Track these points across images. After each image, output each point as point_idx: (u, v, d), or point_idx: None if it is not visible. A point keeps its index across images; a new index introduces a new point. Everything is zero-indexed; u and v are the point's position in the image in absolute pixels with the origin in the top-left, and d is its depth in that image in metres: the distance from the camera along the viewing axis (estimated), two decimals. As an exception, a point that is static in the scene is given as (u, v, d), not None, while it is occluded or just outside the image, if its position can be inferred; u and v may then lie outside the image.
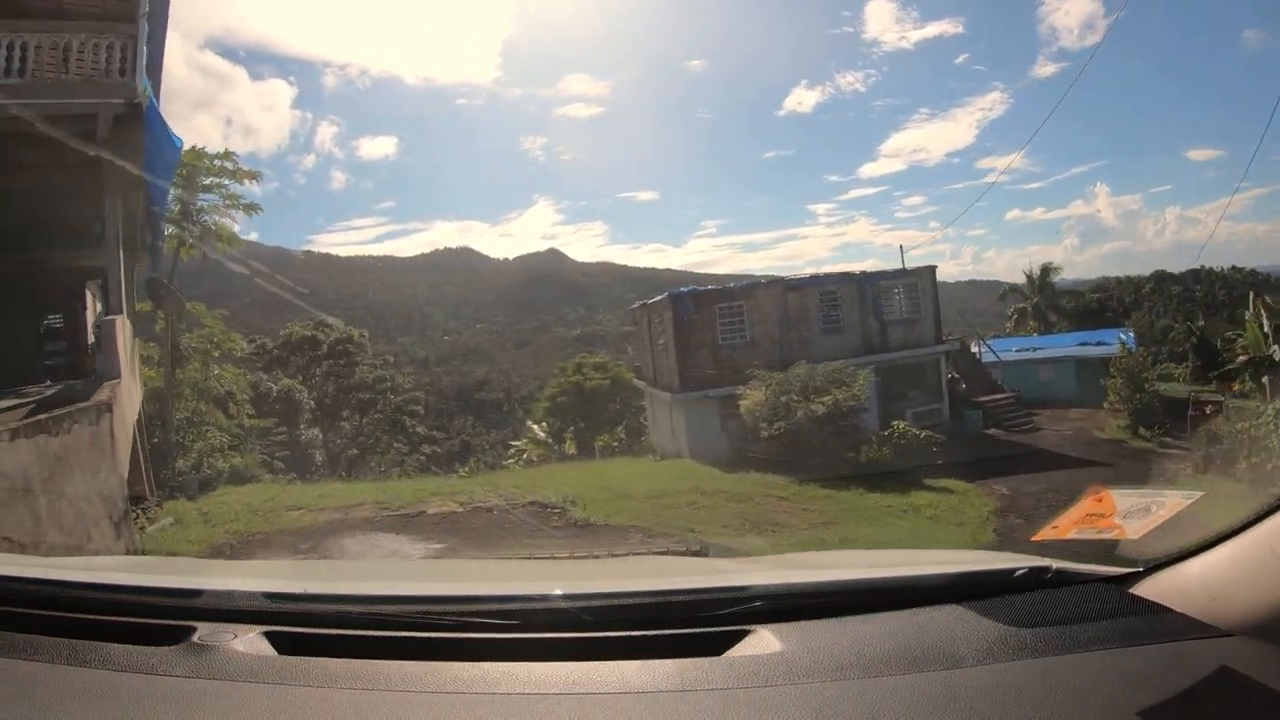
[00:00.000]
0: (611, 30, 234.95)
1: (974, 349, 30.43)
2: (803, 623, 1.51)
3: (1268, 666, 1.34)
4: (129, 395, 12.54)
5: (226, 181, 23.33)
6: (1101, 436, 24.06)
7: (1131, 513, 1.79)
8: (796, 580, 1.81)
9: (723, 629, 1.50)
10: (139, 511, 12.15)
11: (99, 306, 21.04)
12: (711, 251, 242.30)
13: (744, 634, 1.48)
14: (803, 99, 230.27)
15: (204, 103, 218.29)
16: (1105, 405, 25.80)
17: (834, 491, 16.23)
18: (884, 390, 24.50)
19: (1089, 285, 54.21)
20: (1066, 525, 1.92)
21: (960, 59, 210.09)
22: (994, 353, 31.40)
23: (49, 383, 15.80)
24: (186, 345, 23.49)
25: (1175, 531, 1.64)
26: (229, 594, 1.68)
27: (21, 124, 10.86)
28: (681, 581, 1.85)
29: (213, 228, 23.28)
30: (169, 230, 22.49)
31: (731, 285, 28.62)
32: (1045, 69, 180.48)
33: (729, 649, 1.45)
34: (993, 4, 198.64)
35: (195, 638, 1.51)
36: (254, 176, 24.67)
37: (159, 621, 1.59)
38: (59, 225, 14.99)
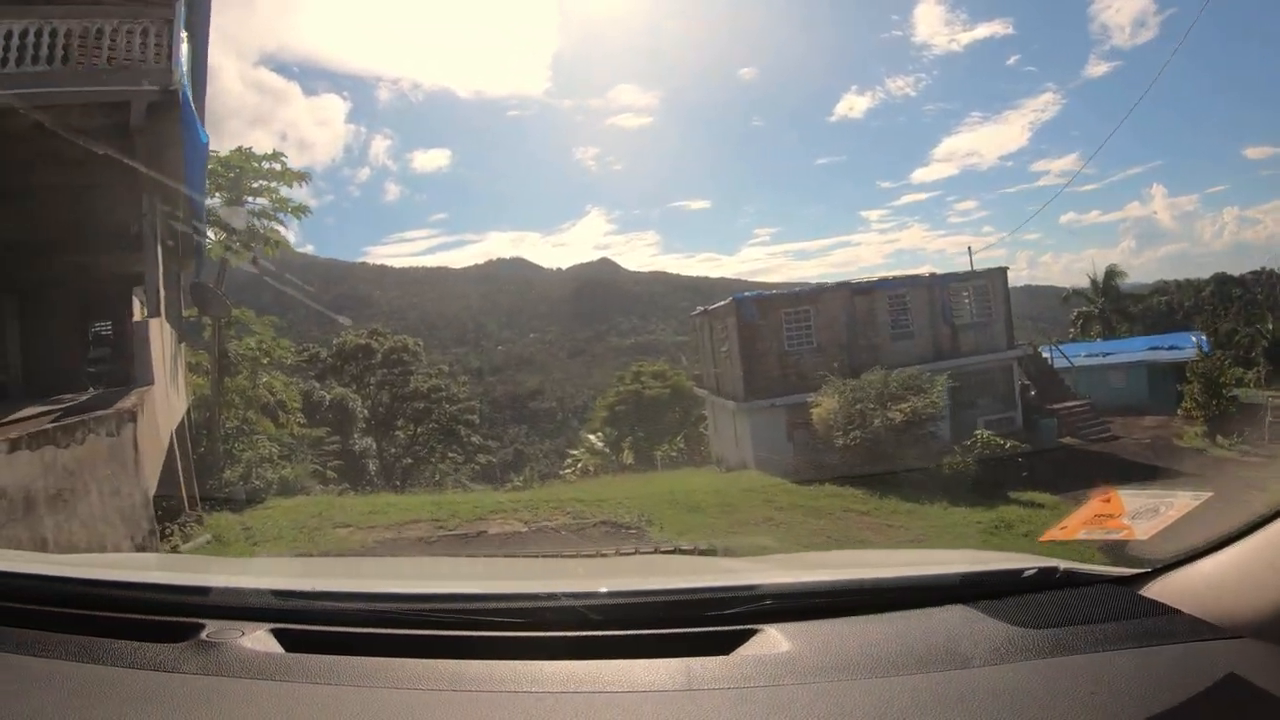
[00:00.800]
0: (660, 40, 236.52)
1: (1044, 354, 29.16)
2: (811, 622, 1.50)
3: (1277, 668, 1.32)
4: (164, 403, 11.77)
5: (275, 184, 22.71)
6: (1180, 445, 22.70)
7: (1140, 513, 1.78)
8: (804, 580, 1.79)
9: (731, 628, 1.49)
10: (176, 527, 11.40)
11: (145, 312, 20.69)
12: (765, 260, 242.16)
13: (752, 633, 1.47)
14: (854, 104, 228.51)
15: (260, 118, 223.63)
16: (1180, 412, 24.44)
17: (917, 505, 15.40)
18: (955, 398, 23.31)
19: (1147, 289, 52.51)
20: (1075, 526, 1.92)
21: (1011, 60, 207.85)
22: (1066, 358, 30.12)
23: (91, 390, 15.41)
24: (235, 352, 22.93)
25: (1184, 532, 1.61)
26: (237, 591, 1.69)
27: (57, 116, 10.28)
28: (690, 580, 1.87)
29: (261, 231, 22.62)
30: (216, 235, 22.07)
31: (797, 289, 27.87)
32: (1097, 68, 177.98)
33: (737, 648, 1.44)
34: (1043, 3, 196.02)
35: (204, 634, 1.51)
36: (303, 178, 23.93)
37: (167, 618, 1.58)
38: (104, 228, 14.43)
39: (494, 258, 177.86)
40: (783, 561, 2.67)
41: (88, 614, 1.61)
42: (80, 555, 3.43)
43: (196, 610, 1.60)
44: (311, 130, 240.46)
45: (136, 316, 20.81)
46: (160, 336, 11.84)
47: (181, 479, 13.15)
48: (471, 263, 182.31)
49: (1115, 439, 24.08)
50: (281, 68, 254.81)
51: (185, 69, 11.83)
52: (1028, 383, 27.20)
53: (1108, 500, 1.89)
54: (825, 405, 20.94)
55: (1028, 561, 1.67)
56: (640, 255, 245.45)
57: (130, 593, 1.71)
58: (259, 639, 1.49)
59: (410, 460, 41.13)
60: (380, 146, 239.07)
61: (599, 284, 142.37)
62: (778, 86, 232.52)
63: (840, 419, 20.05)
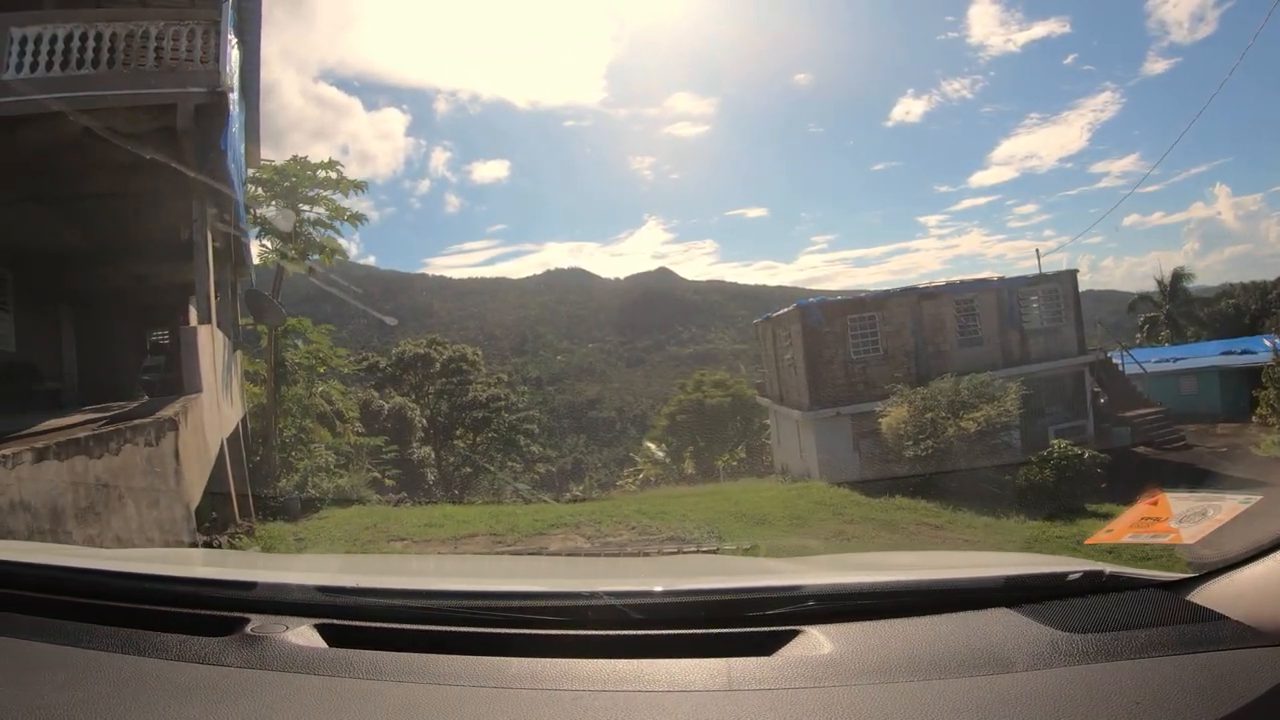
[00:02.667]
0: (714, 47, 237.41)
1: (1115, 359, 28.09)
2: (853, 624, 1.48)
3: None
4: (214, 411, 11.50)
5: (331, 193, 22.61)
6: (1259, 454, 21.58)
7: (1187, 517, 1.74)
8: (847, 581, 1.77)
9: (772, 629, 1.48)
10: (224, 539, 11.09)
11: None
12: (823, 267, 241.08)
13: (794, 634, 1.45)
14: (910, 108, 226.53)
15: (321, 131, 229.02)
16: (1255, 418, 23.30)
17: (992, 519, 15.02)
18: (1025, 405, 22.41)
19: (1214, 292, 50.92)
20: (1121, 529, 1.88)
21: (1068, 59, 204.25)
22: (1138, 363, 29.06)
23: (145, 397, 15.39)
24: (291, 361, 22.89)
25: (1232, 536, 1.56)
26: (282, 586, 1.73)
27: (104, 119, 10.11)
28: (732, 581, 1.86)
29: (317, 239, 22.57)
30: (271, 243, 22.11)
31: (863, 295, 27.41)
32: (1156, 65, 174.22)
33: (779, 649, 1.43)
34: (1099, 0, 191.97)
35: (248, 629, 1.52)
36: (360, 186, 23.82)
37: (213, 613, 1.60)
38: (156, 235, 14.38)
39: (552, 268, 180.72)
40: (825, 562, 2.68)
41: (134, 608, 1.64)
42: (128, 550, 3.38)
43: (242, 605, 1.62)
44: (373, 143, 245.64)
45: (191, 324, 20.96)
46: (211, 344, 11.61)
47: (233, 489, 12.91)
48: (530, 273, 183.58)
49: (1190, 447, 23.23)
50: (342, 82, 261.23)
51: (235, 74, 11.67)
52: (1099, 389, 26.32)
53: (1155, 504, 1.87)
54: (894, 414, 20.46)
55: (1072, 565, 1.65)
56: (698, 264, 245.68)
57: (176, 587, 1.75)
58: (303, 634, 1.50)
59: (469, 469, 41.05)
60: (440, 159, 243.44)
61: (657, 293, 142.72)
62: (833, 92, 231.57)
63: (910, 428, 19.53)
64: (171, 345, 21.35)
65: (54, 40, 10.44)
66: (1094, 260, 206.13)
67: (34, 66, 10.30)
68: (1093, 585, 1.54)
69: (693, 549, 11.59)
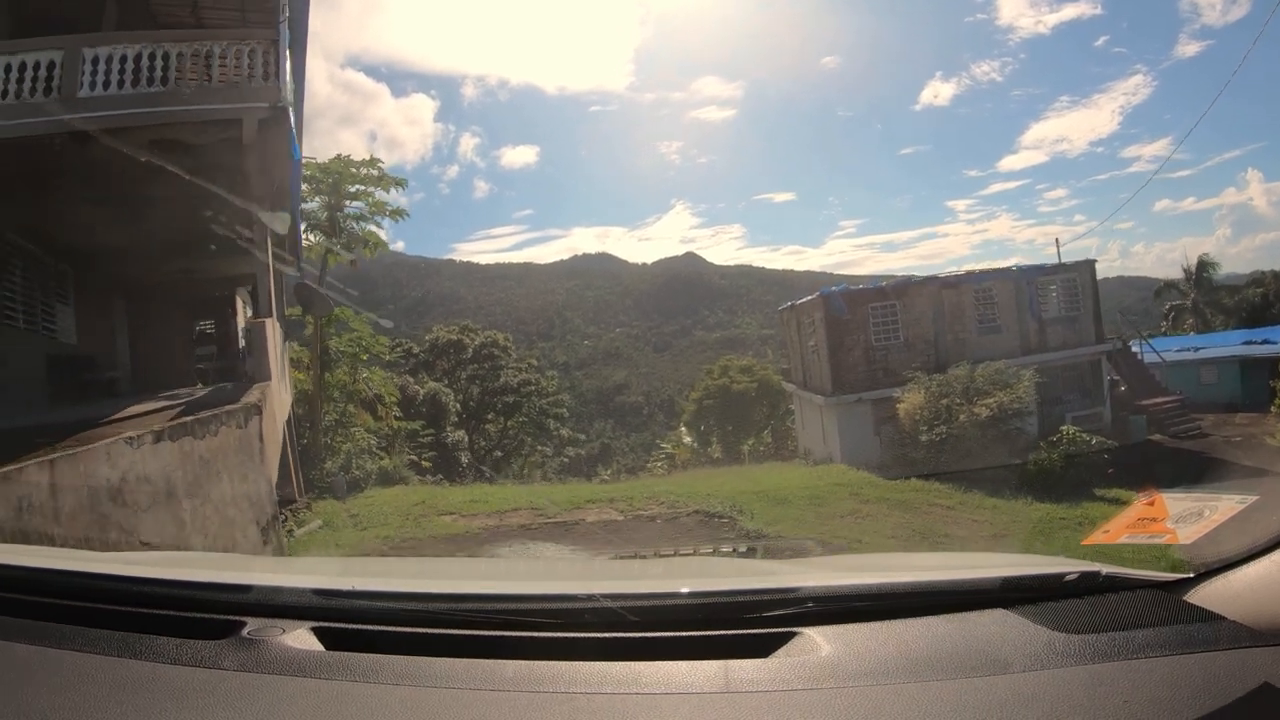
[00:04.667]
0: (742, 31, 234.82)
1: (1134, 348, 28.44)
2: (850, 625, 1.49)
3: None
4: (278, 397, 12.50)
5: (372, 189, 23.60)
6: (1273, 444, 21.94)
7: (1184, 517, 1.76)
8: (843, 583, 1.78)
9: (769, 630, 1.48)
10: (287, 514, 12.07)
11: (248, 312, 21.78)
12: (851, 252, 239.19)
13: (790, 636, 1.46)
14: (939, 92, 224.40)
15: (348, 118, 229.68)
16: (1273, 408, 23.42)
17: (1001, 501, 15.61)
18: (1044, 393, 23.03)
19: (1244, 279, 49.71)
20: (1118, 529, 1.90)
21: (1099, 41, 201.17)
22: (1156, 352, 29.30)
23: (200, 386, 16.53)
24: (334, 349, 23.90)
25: (1229, 536, 1.58)
26: (278, 590, 1.71)
27: (170, 132, 11.17)
28: (728, 583, 1.86)
29: (359, 234, 23.59)
30: (317, 238, 23.09)
31: (884, 284, 27.77)
32: (1188, 48, 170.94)
33: (775, 650, 1.43)
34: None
35: (244, 632, 1.53)
36: (400, 184, 24.81)
37: (209, 616, 1.61)
38: (213, 234, 15.32)
39: (580, 253, 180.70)
40: (822, 564, 2.71)
41: (130, 611, 1.65)
42: (123, 554, 3.54)
43: (238, 608, 1.63)
44: (401, 129, 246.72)
45: (239, 315, 22.03)
46: (273, 335, 12.56)
47: (291, 468, 13.91)
48: (557, 258, 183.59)
49: (1205, 436, 23.58)
50: (369, 69, 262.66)
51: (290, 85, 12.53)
52: (1117, 378, 26.70)
53: (1151, 503, 1.87)
54: (911, 400, 21.14)
55: (1069, 565, 1.66)
56: (726, 249, 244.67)
57: (172, 590, 1.74)
58: (299, 637, 1.51)
59: (500, 453, 41.96)
60: (468, 144, 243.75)
61: (685, 278, 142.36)
62: (861, 75, 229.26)
63: (926, 414, 20.21)
64: (218, 335, 22.52)
65: (124, 60, 11.22)
66: (1125, 246, 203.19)
67: (105, 85, 11.09)
68: (1089, 586, 1.56)
69: (720, 520, 12.76)
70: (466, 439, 40.82)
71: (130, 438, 6.22)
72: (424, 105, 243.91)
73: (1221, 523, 1.65)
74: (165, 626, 1.57)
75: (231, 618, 1.58)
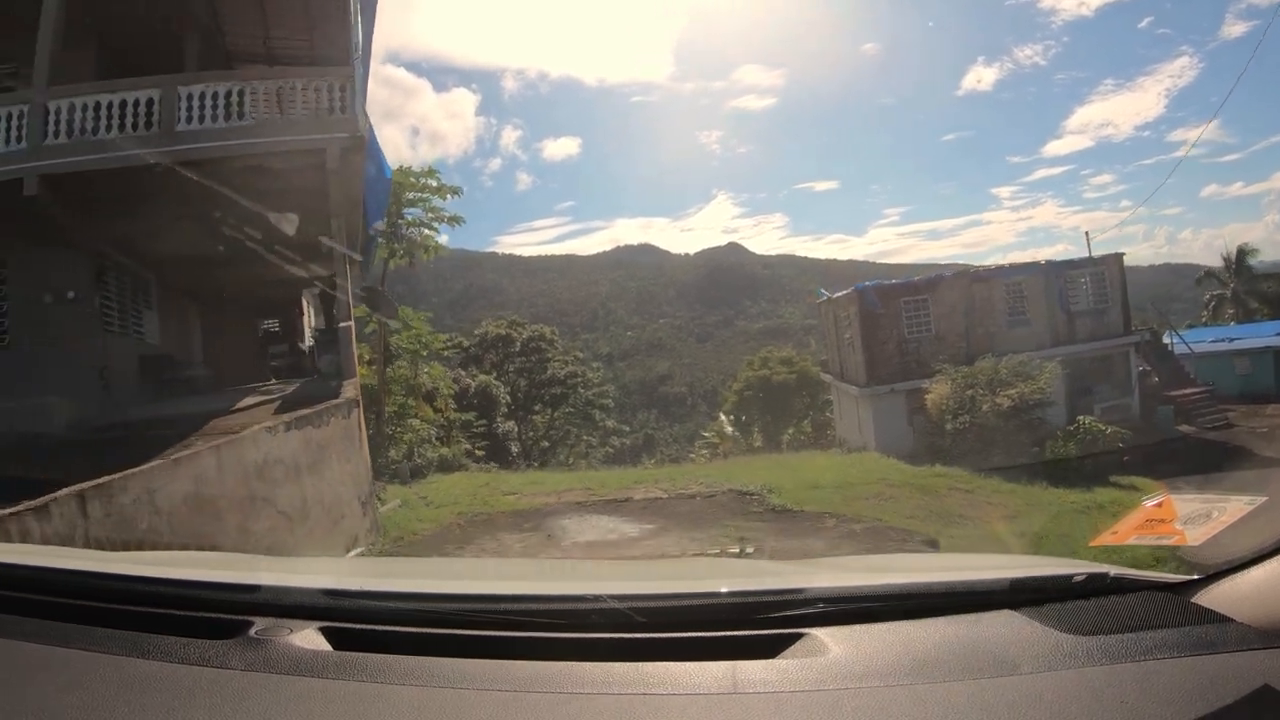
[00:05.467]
0: (781, 18, 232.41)
1: (1166, 339, 28.79)
2: (858, 626, 1.49)
3: None
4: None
5: (430, 197, 25.19)
6: None
7: (1192, 518, 1.75)
8: (850, 584, 1.77)
9: (776, 631, 1.48)
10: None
11: (311, 312, 23.53)
12: (894, 240, 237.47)
13: (797, 637, 1.46)
14: (981, 76, 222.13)
15: (390, 113, 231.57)
16: None
17: (1018, 486, 16.12)
18: (1072, 384, 23.76)
19: None
20: (1126, 531, 1.89)
21: (1144, 23, 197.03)
22: (1185, 344, 29.52)
23: (273, 381, 17.99)
24: (395, 345, 25.48)
25: (1237, 538, 1.59)
26: (286, 589, 1.73)
27: (259, 160, 12.52)
28: (735, 584, 1.79)
29: (418, 239, 25.15)
30: (379, 242, 24.66)
31: (916, 279, 28.54)
32: (1234, 28, 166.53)
33: (783, 651, 1.44)
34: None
35: (252, 632, 1.55)
36: (456, 192, 26.39)
37: (217, 615, 1.62)
38: (290, 243, 16.75)
39: (622, 244, 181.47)
40: (830, 565, 2.67)
41: (138, 610, 1.66)
42: (131, 553, 3.52)
43: (246, 608, 1.64)
44: (443, 124, 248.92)
45: (305, 315, 23.68)
46: (351, 337, 14.04)
47: (369, 454, 15.41)
48: (600, 250, 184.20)
49: (1231, 427, 23.87)
50: (410, 65, 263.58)
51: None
52: (1148, 369, 27.05)
53: (1160, 505, 1.87)
54: (938, 391, 21.98)
55: (1077, 567, 1.67)
56: (768, 238, 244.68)
57: (180, 590, 1.75)
58: (307, 637, 1.52)
59: (547, 443, 43.33)
60: (510, 137, 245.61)
61: (727, 268, 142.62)
62: (902, 61, 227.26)
63: (951, 404, 21.05)
64: (284, 333, 23.97)
65: (215, 96, 12.56)
66: (1172, 232, 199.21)
67: (200, 119, 12.44)
68: (1097, 587, 1.56)
69: (751, 497, 13.83)
70: (516, 429, 42.18)
71: (269, 427, 7.75)
72: (465, 99, 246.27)
73: (1230, 524, 1.66)
74: (173, 626, 1.59)
75: (239, 617, 1.59)
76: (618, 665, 1.41)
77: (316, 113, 12.90)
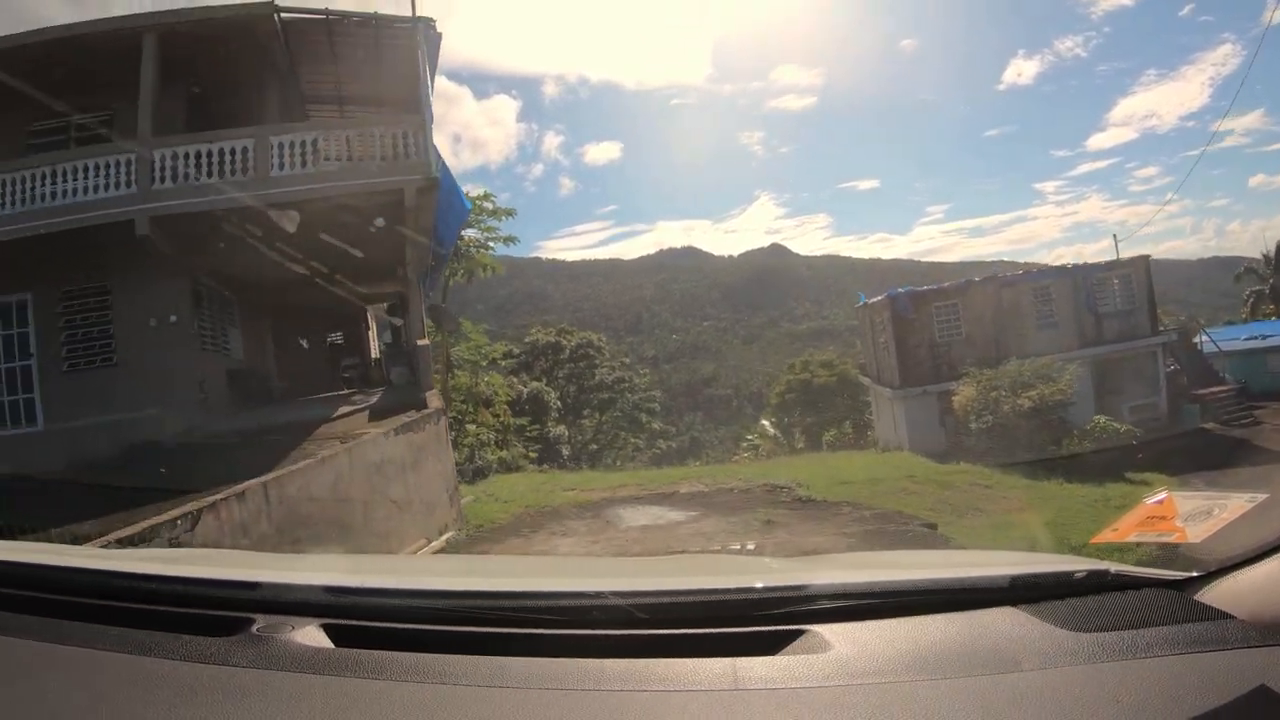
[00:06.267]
0: (818, 17, 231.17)
1: (1200, 338, 29.33)
2: (858, 623, 1.49)
3: None
4: (432, 402, 15.73)
5: (485, 219, 27.17)
6: None
7: (1193, 515, 1.73)
8: (853, 580, 1.75)
9: (777, 628, 1.48)
10: (449, 489, 15.10)
11: (375, 325, 25.57)
12: (939, 238, 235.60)
13: (799, 633, 1.46)
14: (1022, 70, 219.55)
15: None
16: None
17: (1035, 482, 17.06)
18: (1100, 384, 24.64)
19: None
20: (1127, 528, 1.88)
21: (1185, 10, 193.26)
22: (1214, 343, 29.91)
23: (344, 390, 19.48)
24: (455, 356, 27.39)
25: (1239, 535, 1.58)
26: (287, 586, 1.74)
27: (344, 200, 13.94)
28: (737, 580, 1.82)
29: (476, 258, 27.11)
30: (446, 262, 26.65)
31: (946, 284, 29.51)
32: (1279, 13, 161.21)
33: (784, 648, 1.43)
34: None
35: (254, 629, 1.55)
36: (510, 213, 28.66)
37: (218, 612, 1.62)
38: (362, 267, 18.42)
39: (665, 247, 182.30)
40: (831, 562, 2.68)
41: (139, 608, 1.67)
42: (134, 550, 3.49)
43: (247, 605, 1.65)
44: (484, 130, 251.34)
45: (371, 329, 25.61)
46: (429, 354, 15.76)
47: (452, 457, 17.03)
48: (643, 253, 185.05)
49: (1258, 425, 24.23)
50: (451, 73, 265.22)
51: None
52: (1177, 368, 27.53)
53: (1161, 502, 1.87)
54: (964, 393, 23.10)
55: (1078, 563, 1.66)
56: (812, 239, 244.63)
57: (181, 587, 1.76)
58: (308, 634, 1.52)
59: (595, 446, 44.69)
60: (552, 142, 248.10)
61: (771, 270, 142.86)
62: (942, 56, 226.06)
63: (976, 405, 22.14)
64: (349, 346, 25.38)
65: (302, 144, 14.09)
66: (1220, 224, 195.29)
67: (290, 165, 13.98)
68: (1098, 584, 1.56)
69: (783, 490, 15.10)
70: (566, 433, 43.37)
71: (384, 433, 9.57)
72: (506, 106, 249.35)
73: (1231, 521, 1.65)
74: (175, 623, 1.59)
75: (241, 615, 1.60)
76: (619, 662, 1.41)
77: (394, 157, 14.30)
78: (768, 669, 1.37)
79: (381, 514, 9.28)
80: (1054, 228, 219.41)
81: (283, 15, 15.15)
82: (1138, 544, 1.93)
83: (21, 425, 14.65)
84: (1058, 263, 31.35)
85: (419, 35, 15.25)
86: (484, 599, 1.62)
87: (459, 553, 10.34)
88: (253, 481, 7.25)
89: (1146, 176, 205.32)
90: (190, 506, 6.42)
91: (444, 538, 10.48)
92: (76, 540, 6.07)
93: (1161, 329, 28.12)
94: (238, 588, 1.75)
